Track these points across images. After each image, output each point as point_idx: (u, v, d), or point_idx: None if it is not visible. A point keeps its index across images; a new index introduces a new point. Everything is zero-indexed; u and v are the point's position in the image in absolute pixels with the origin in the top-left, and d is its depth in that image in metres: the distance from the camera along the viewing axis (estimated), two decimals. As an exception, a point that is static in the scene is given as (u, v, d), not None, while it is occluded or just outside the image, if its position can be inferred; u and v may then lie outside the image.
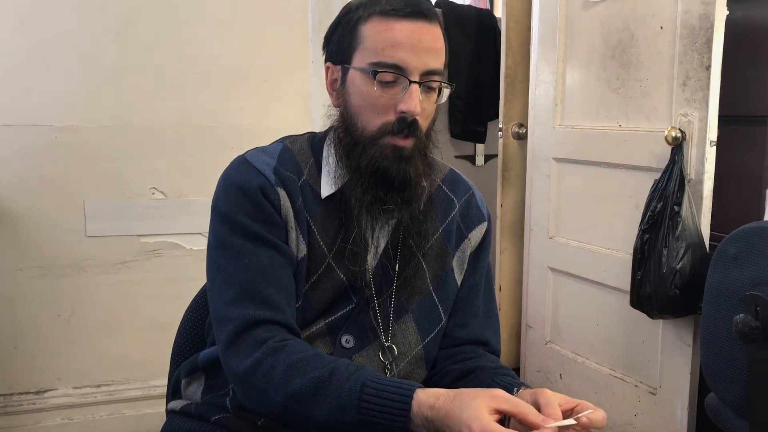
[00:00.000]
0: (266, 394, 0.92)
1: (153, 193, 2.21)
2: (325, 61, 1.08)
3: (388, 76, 0.98)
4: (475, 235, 1.15)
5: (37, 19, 2.05)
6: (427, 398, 0.84)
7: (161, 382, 2.20)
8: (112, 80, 2.13)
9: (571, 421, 0.83)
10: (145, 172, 2.19)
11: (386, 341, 1.07)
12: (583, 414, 0.83)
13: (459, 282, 1.14)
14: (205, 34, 2.19)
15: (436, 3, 3.09)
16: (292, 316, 1.00)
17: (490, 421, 0.79)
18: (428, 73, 0.99)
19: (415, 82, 0.98)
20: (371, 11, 1.00)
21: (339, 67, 1.04)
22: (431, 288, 1.11)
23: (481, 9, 3.40)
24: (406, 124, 0.99)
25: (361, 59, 1.00)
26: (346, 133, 1.03)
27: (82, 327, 2.20)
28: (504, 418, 0.83)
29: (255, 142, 1.17)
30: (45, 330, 2.17)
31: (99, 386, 2.24)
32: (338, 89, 1.05)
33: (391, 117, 0.99)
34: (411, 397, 0.84)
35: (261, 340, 0.95)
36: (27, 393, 2.18)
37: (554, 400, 0.84)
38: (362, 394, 0.86)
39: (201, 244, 2.26)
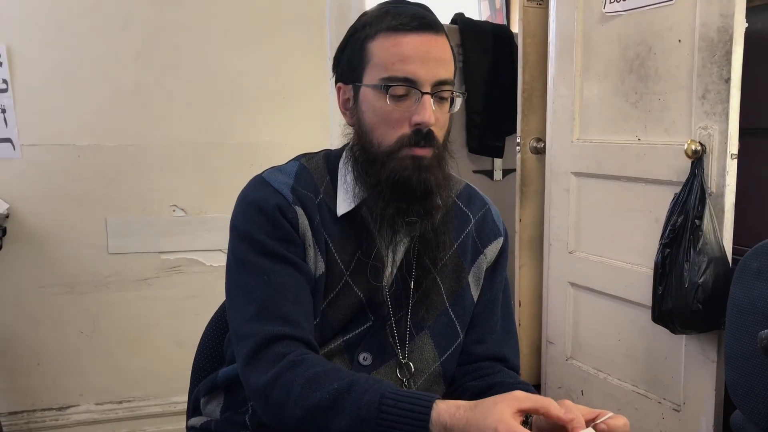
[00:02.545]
0: (285, 408, 0.93)
1: (173, 211, 2.24)
2: (336, 81, 1.09)
3: (400, 90, 0.99)
4: (491, 251, 1.15)
5: (61, 41, 2.09)
6: (447, 408, 0.84)
7: (182, 399, 2.21)
8: (134, 100, 2.17)
9: (604, 417, 0.83)
10: (165, 190, 2.22)
11: (403, 358, 1.07)
12: (602, 419, 0.83)
13: (475, 298, 1.13)
14: (224, 54, 2.23)
15: (452, 19, 3.11)
16: (310, 332, 1.01)
17: (516, 423, 0.79)
18: (439, 84, 1.00)
19: (427, 93, 0.99)
20: (378, 28, 1.01)
21: (350, 87, 1.05)
22: (447, 304, 1.11)
23: (498, 24, 3.42)
24: (422, 136, 1.00)
25: (371, 76, 1.01)
26: (363, 150, 1.04)
27: (103, 343, 2.22)
28: (525, 421, 0.83)
29: (273, 159, 1.19)
30: (67, 346, 2.19)
31: (120, 402, 2.26)
32: (351, 108, 1.06)
33: (407, 130, 1.00)
34: (430, 408, 0.84)
35: (280, 354, 0.95)
36: (50, 409, 2.20)
37: (574, 407, 0.84)
38: (381, 405, 0.86)
39: (221, 260, 2.27)
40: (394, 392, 0.87)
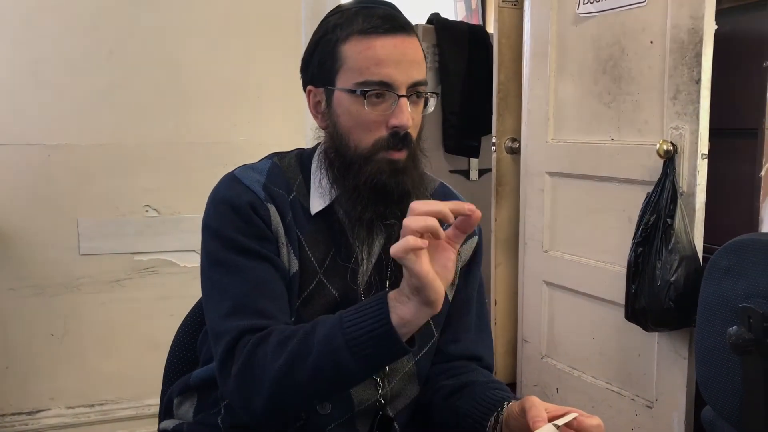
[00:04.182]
0: (264, 373, 0.91)
1: (146, 211, 2.21)
2: (305, 84, 1.08)
3: (376, 94, 0.98)
4: (466, 250, 1.15)
5: (31, 38, 2.05)
6: (397, 288, 0.88)
7: (155, 401, 2.17)
8: (106, 98, 2.14)
9: (566, 418, 0.84)
10: (138, 190, 2.19)
11: (377, 357, 1.07)
12: (564, 420, 0.83)
13: (450, 297, 1.13)
14: (198, 53, 2.21)
15: (428, 19, 3.11)
16: (285, 324, 1.00)
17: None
18: (414, 85, 1.00)
19: (404, 96, 0.99)
20: (349, 31, 1.00)
21: (321, 90, 1.04)
22: (422, 303, 1.10)
23: (474, 25, 3.43)
24: (400, 138, 1.00)
25: (345, 80, 1.00)
26: (338, 153, 1.03)
27: (75, 346, 2.19)
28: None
29: (248, 158, 1.18)
30: (38, 349, 2.15)
31: (92, 406, 2.22)
32: (324, 111, 1.05)
33: (383, 132, 1.00)
34: (386, 295, 0.87)
35: (249, 342, 0.95)
36: (19, 413, 2.16)
37: (540, 404, 0.85)
38: (342, 317, 0.89)
39: (195, 261, 2.25)
40: (351, 308, 0.90)
